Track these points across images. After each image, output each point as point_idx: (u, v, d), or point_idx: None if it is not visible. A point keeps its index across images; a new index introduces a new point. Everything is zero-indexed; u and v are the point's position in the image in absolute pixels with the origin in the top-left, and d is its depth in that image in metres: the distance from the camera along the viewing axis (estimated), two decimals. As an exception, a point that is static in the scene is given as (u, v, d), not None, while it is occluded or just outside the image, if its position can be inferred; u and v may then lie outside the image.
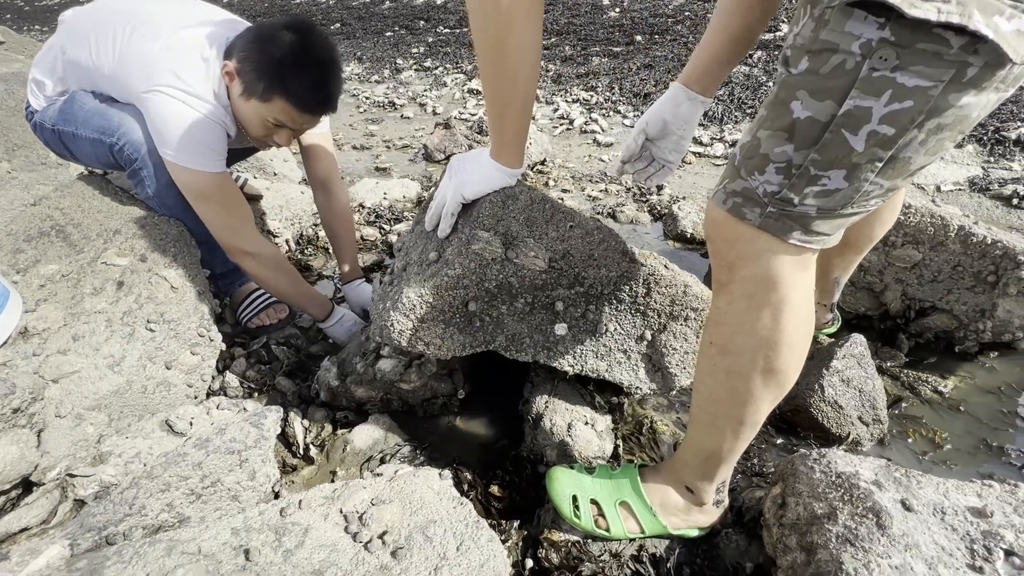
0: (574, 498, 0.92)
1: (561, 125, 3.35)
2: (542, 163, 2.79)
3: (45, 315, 1.12)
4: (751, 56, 3.92)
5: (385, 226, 2.16)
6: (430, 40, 5.51)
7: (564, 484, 0.93)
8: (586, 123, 3.31)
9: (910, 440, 1.19)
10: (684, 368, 1.09)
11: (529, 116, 0.85)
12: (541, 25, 0.76)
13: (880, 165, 0.59)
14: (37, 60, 1.31)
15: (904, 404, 1.27)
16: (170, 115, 1.12)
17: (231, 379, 1.32)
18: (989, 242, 1.29)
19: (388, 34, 5.98)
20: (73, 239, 1.26)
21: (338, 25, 6.55)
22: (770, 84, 3.37)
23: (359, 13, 7.04)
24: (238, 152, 1.54)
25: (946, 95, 0.53)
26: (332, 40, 1.21)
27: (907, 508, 0.78)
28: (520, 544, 0.95)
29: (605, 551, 0.91)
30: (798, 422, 1.21)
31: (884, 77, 0.54)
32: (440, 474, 0.93)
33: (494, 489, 1.06)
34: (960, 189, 2.32)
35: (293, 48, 1.11)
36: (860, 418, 1.16)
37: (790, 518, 0.84)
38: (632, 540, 0.92)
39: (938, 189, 2.34)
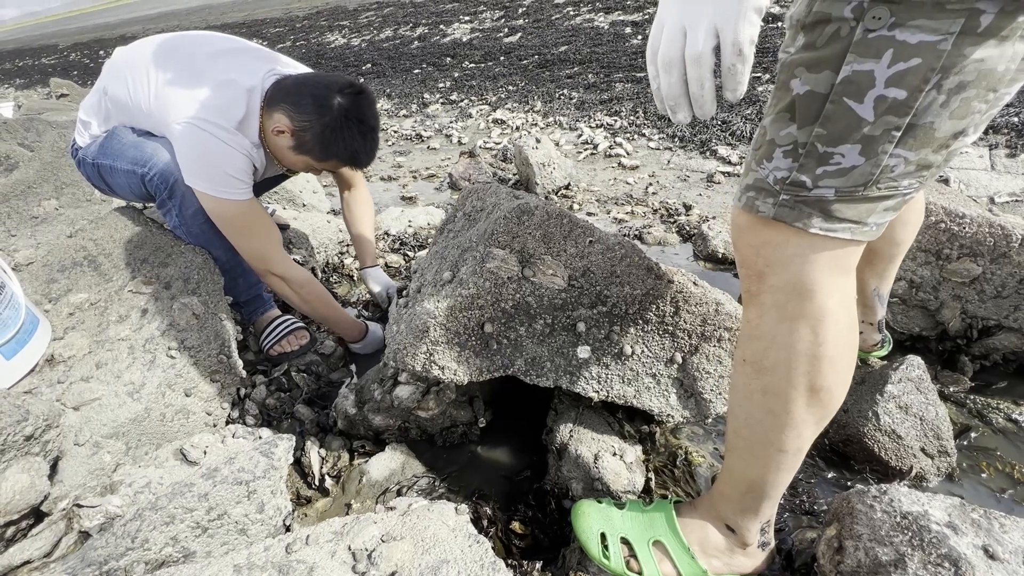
0: (603, 536, 0.84)
1: (585, 150, 3.34)
2: (566, 187, 2.77)
3: (72, 343, 1.13)
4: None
5: (409, 253, 2.16)
6: (456, 75, 5.67)
7: (592, 520, 0.86)
8: (610, 147, 3.29)
9: (984, 475, 1.06)
10: (719, 393, 1.01)
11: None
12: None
13: (898, 135, 0.53)
14: (84, 102, 1.38)
15: (973, 434, 1.14)
16: (197, 145, 1.16)
17: (251, 407, 1.31)
18: (1060, 252, 1.17)
19: (416, 71, 6.20)
20: (103, 268, 1.29)
21: (369, 66, 6.85)
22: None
23: (389, 53, 7.35)
24: (266, 181, 1.58)
25: (960, 48, 0.48)
26: (375, 100, 1.30)
27: (991, 556, 0.67)
28: (543, 588, 0.87)
29: (637, 598, 0.82)
30: (851, 453, 1.09)
31: (882, 37, 0.49)
32: (457, 508, 0.87)
33: (515, 526, 0.99)
34: (1017, 200, 2.16)
35: (350, 119, 1.21)
36: (923, 449, 1.04)
37: (849, 565, 0.74)
38: (668, 586, 0.83)
39: (992, 201, 2.18)
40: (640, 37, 5.66)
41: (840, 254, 0.62)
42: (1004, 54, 0.48)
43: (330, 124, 1.19)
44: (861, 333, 1.23)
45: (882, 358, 1.29)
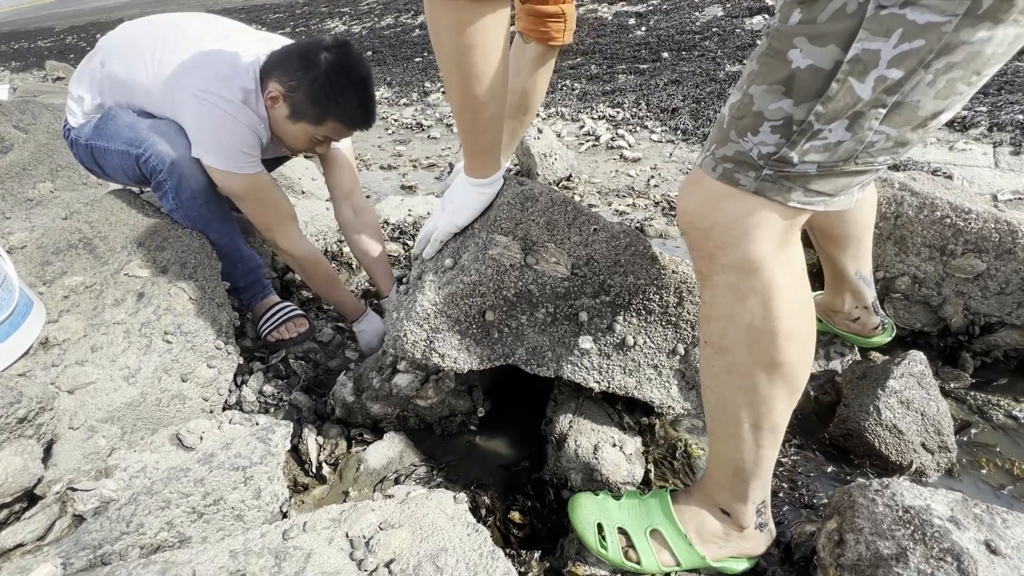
0: (599, 527, 0.84)
1: (587, 142, 3.31)
2: (568, 179, 2.75)
3: (66, 326, 1.12)
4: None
5: (409, 242, 2.15)
6: (458, 64, 5.61)
7: (588, 511, 0.85)
8: (612, 139, 3.26)
9: (983, 471, 1.05)
10: (721, 386, 1.00)
11: (500, 128, 0.84)
12: (505, 34, 0.74)
13: (884, 112, 0.53)
14: (76, 75, 1.35)
15: (974, 430, 1.14)
16: (207, 119, 1.16)
17: (247, 393, 1.30)
18: (1065, 249, 1.16)
19: (417, 59, 6.14)
20: (99, 251, 1.27)
21: (370, 53, 6.78)
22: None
23: (390, 41, 7.27)
24: (269, 162, 1.56)
25: (959, 31, 0.47)
26: (365, 56, 1.26)
27: (993, 551, 0.67)
28: (541, 577, 0.87)
29: (636, 588, 0.82)
30: (851, 448, 1.09)
31: (893, 15, 0.48)
32: (455, 497, 0.86)
33: (514, 515, 0.98)
34: (1021, 198, 2.15)
35: (337, 70, 1.17)
36: (923, 445, 1.04)
37: (850, 558, 0.73)
38: (667, 574, 0.83)
39: (995, 198, 2.17)
40: (644, 28, 5.61)
41: (784, 226, 0.63)
42: (995, 37, 0.48)
43: (319, 79, 1.16)
44: (858, 318, 1.23)
45: (884, 350, 1.29)
